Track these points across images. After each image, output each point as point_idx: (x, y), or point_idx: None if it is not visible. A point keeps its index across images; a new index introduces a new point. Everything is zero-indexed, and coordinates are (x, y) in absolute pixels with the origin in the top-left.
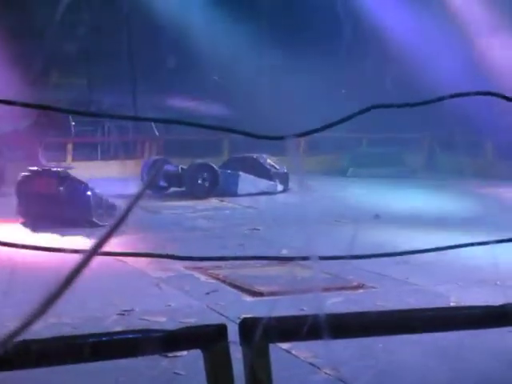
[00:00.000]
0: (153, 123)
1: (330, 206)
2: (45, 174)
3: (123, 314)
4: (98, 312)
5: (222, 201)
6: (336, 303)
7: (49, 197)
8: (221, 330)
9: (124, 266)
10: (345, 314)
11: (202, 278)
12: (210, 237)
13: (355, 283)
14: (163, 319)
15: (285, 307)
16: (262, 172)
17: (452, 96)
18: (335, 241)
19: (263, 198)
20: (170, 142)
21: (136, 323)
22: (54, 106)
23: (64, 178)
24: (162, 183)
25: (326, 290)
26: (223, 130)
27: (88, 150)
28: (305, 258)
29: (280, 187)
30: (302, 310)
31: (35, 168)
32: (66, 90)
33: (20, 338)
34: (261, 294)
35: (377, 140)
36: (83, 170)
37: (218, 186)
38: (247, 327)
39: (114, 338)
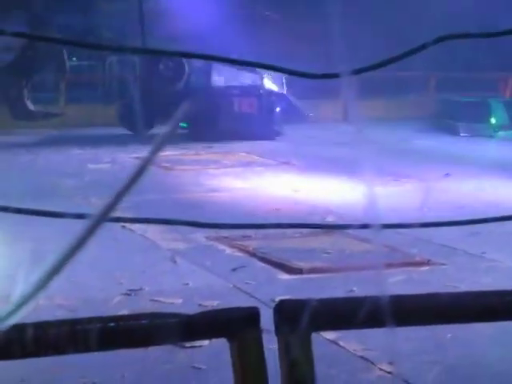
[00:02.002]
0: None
1: (389, 161)
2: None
3: (130, 295)
4: (98, 292)
5: (251, 154)
6: (394, 283)
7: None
8: (251, 315)
9: (131, 236)
10: (405, 296)
11: (227, 250)
12: (237, 199)
13: (419, 258)
14: (179, 301)
15: (329, 287)
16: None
17: None
18: (395, 204)
19: (302, 152)
20: None
21: (145, 306)
22: (44, 35)
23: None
24: None
25: (382, 266)
26: (261, 66)
27: (86, 91)
28: (363, 226)
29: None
30: (352, 291)
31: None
32: (56, 14)
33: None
34: (299, 271)
35: (449, 80)
36: (79, 116)
37: None
38: (285, 312)
39: (120, 323)
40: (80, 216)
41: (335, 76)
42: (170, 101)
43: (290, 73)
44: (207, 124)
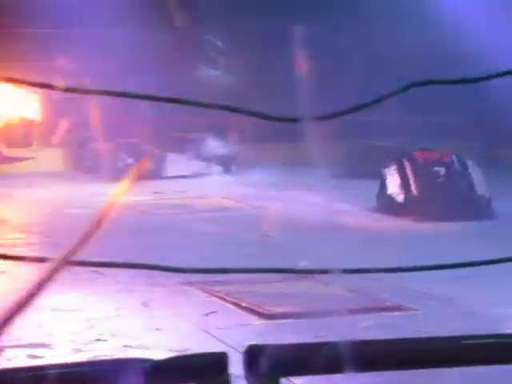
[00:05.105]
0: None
1: (365, 206)
2: None
3: (100, 340)
4: (69, 335)
5: (225, 199)
6: (364, 328)
7: None
8: (221, 360)
9: (102, 280)
10: (374, 342)
11: (200, 295)
12: (210, 244)
13: (390, 304)
14: (150, 346)
15: (300, 332)
16: (200, 153)
17: None
18: (372, 250)
19: (278, 197)
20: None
21: (116, 351)
22: None
23: None
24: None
25: (353, 311)
26: (224, 108)
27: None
28: (323, 272)
29: (218, 169)
30: (320, 336)
31: None
32: None
33: None
34: (271, 317)
35: (420, 125)
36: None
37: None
38: (254, 357)
39: (85, 369)
40: (41, 260)
41: (293, 120)
42: None
43: (251, 114)
44: None
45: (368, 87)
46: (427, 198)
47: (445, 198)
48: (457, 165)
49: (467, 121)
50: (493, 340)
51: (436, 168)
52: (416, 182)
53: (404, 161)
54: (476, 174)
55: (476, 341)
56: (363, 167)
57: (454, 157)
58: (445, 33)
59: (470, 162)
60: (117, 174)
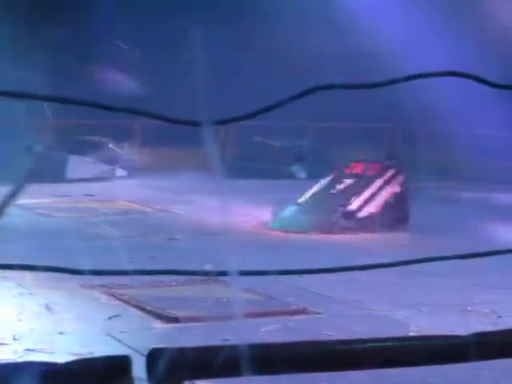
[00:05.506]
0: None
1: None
2: None
3: (2, 344)
4: None
5: (129, 202)
6: (270, 332)
7: None
8: (124, 364)
9: (4, 283)
10: (276, 345)
11: (103, 298)
12: (115, 248)
13: (295, 307)
14: (52, 350)
15: (205, 336)
16: (102, 156)
17: (411, 77)
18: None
19: (181, 200)
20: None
21: (19, 355)
22: None
23: None
24: None
25: (258, 315)
26: (127, 111)
27: None
28: (221, 274)
29: (121, 172)
30: (226, 340)
31: None
32: None
33: None
34: (176, 320)
35: (325, 130)
36: None
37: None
38: (157, 360)
39: None
40: None
41: (195, 124)
42: None
43: (154, 117)
44: None
45: (271, 90)
46: (311, 209)
47: (329, 210)
48: (375, 178)
49: (374, 126)
50: (396, 343)
51: (345, 179)
52: (315, 192)
53: (336, 171)
54: (394, 187)
55: (380, 344)
56: (257, 167)
57: (381, 169)
58: (351, 34)
59: (400, 177)
60: (13, 175)
